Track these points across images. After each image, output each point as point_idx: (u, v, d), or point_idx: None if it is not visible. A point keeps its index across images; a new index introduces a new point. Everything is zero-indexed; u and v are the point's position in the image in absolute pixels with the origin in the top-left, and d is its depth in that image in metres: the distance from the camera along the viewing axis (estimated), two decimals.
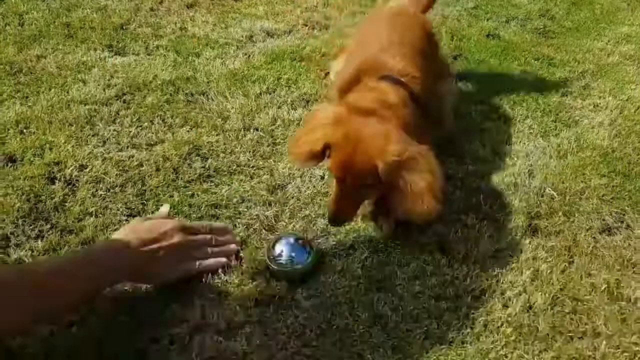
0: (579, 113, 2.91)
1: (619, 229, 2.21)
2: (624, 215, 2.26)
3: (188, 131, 2.57)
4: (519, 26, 3.88)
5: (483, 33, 3.70)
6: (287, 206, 2.20)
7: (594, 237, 2.15)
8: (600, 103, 3.00)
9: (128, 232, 1.78)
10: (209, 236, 1.94)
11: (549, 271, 1.98)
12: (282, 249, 1.92)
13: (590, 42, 3.70)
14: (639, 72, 3.34)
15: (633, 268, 2.03)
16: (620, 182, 2.41)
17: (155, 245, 1.75)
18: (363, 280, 1.92)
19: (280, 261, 1.90)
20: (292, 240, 1.97)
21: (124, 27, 3.47)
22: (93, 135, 2.50)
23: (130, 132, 2.54)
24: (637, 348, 1.75)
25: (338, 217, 1.98)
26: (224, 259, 1.91)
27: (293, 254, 1.91)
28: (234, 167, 2.38)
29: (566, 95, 3.08)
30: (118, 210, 2.13)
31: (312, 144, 1.97)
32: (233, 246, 1.97)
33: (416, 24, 2.57)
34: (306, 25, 3.62)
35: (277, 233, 2.07)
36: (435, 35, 2.71)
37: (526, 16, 4.01)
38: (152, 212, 2.11)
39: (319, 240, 2.06)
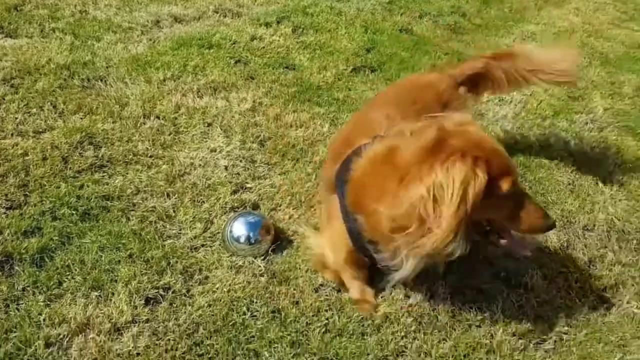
0: (485, 107, 2.96)
1: None
2: None
3: (81, 118, 2.39)
4: (431, 22, 3.93)
5: (396, 27, 3.70)
6: (186, 196, 2.09)
7: None
8: (505, 97, 3.06)
9: None
10: None
11: None
12: (240, 229, 1.89)
13: (498, 39, 3.80)
14: None
15: None
16: (521, 173, 2.46)
17: None
18: (265, 274, 1.84)
19: (241, 242, 1.88)
20: (250, 218, 1.94)
21: (17, 8, 3.21)
22: None
23: (16, 118, 2.32)
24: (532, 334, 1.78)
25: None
26: None
27: (251, 234, 1.89)
28: (130, 156, 2.23)
29: None
30: None
31: None
32: None
33: None
34: (217, 12, 3.49)
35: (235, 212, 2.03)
36: None
37: (438, 12, 4.07)
38: (35, 205, 1.93)
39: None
